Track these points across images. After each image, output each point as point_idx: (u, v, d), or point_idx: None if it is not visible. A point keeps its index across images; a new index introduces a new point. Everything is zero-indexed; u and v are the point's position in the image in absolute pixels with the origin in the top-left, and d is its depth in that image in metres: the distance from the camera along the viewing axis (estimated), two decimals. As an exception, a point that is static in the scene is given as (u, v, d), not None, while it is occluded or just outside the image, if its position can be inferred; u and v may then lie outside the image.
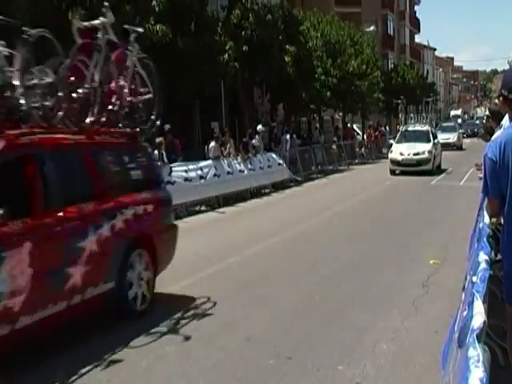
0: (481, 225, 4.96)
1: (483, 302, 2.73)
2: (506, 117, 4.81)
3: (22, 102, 5.46)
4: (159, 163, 13.54)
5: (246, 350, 5.31)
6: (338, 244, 10.01)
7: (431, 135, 23.26)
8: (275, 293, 7.10)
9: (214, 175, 15.55)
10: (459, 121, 65.54)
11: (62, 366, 4.88)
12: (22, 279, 4.66)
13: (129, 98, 6.65)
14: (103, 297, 5.74)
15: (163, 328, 5.84)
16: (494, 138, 4.64)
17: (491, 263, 3.94)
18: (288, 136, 22.35)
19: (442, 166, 23.22)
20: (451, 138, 35.56)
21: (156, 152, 13.66)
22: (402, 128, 26.59)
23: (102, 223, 5.71)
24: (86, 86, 6.03)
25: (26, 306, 4.69)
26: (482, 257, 3.62)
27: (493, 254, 4.34)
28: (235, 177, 16.61)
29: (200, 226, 12.53)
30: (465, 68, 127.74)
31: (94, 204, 5.76)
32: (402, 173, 21.48)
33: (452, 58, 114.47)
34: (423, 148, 21.91)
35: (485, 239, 4.17)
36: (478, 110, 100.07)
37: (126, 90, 6.59)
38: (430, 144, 22.32)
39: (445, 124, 43.39)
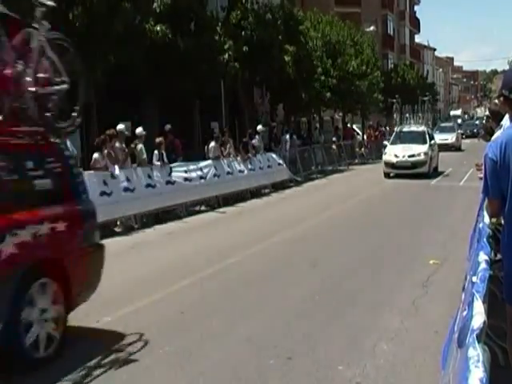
0: (481, 225, 4.96)
1: (483, 302, 2.73)
2: (507, 117, 4.81)
3: None
4: (159, 163, 13.58)
5: (246, 349, 5.31)
6: (337, 244, 10.01)
7: (427, 136, 22.32)
8: (275, 293, 7.10)
9: (214, 175, 15.55)
10: (459, 121, 65.39)
11: None
12: None
13: (32, 88, 5.27)
14: None
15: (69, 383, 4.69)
16: (494, 138, 4.64)
17: (491, 263, 3.94)
18: (288, 136, 22.35)
19: (440, 169, 22.67)
20: (449, 138, 35.00)
21: (156, 152, 13.68)
22: (396, 128, 25.36)
23: None
24: None
25: None
26: (482, 257, 3.62)
27: (492, 253, 4.34)
28: (235, 177, 16.61)
29: (200, 225, 12.53)
30: (465, 68, 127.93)
31: None
32: (397, 176, 20.62)
33: (452, 58, 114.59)
34: (419, 149, 20.98)
35: (485, 239, 4.17)
36: (478, 110, 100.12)
37: (28, 78, 5.24)
38: (426, 145, 21.43)
39: (443, 124, 42.69)
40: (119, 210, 11.91)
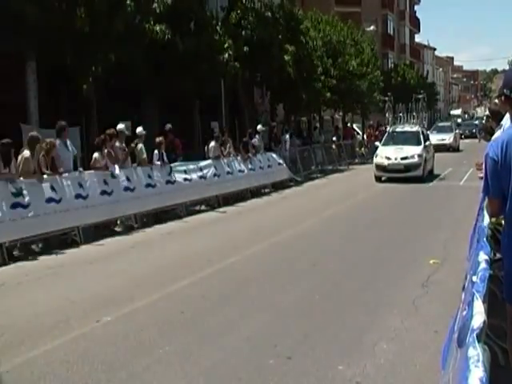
0: (481, 225, 4.96)
1: (483, 302, 2.73)
2: (507, 116, 4.80)
3: None
4: (159, 163, 13.58)
5: (246, 349, 5.30)
6: (338, 244, 10.01)
7: (422, 137, 20.74)
8: (275, 292, 7.10)
9: (214, 175, 15.55)
10: (459, 120, 65.22)
11: None
12: None
13: None
14: None
15: None
16: (494, 137, 4.64)
17: (491, 263, 3.94)
18: (288, 136, 22.35)
19: (436, 171, 21.45)
20: (447, 138, 34.13)
21: (156, 151, 13.68)
22: (389, 129, 23.58)
23: None
24: None
25: None
26: (482, 256, 3.62)
27: (492, 253, 4.34)
28: (235, 176, 16.61)
29: (200, 225, 12.53)
30: (465, 68, 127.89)
31: None
32: (389, 180, 19.31)
33: (452, 58, 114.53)
34: (412, 151, 19.44)
35: (485, 239, 4.17)
36: (478, 109, 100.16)
37: None
38: (421, 147, 19.89)
39: (440, 124, 41.32)
40: (119, 209, 11.92)
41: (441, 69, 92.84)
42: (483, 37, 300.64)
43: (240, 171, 16.99)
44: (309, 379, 4.65)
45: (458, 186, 17.85)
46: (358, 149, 30.20)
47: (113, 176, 11.92)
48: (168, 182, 13.70)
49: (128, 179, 12.34)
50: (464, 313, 3.09)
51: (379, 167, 19.74)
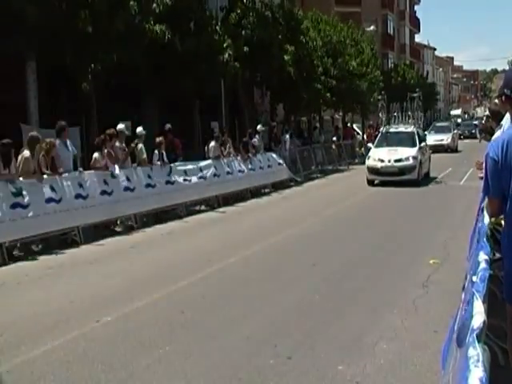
0: (480, 225, 4.96)
1: (483, 302, 2.72)
2: (507, 116, 4.80)
3: None
4: (159, 163, 13.58)
5: (246, 349, 5.30)
6: (338, 244, 10.01)
7: (417, 138, 19.61)
8: (275, 292, 7.10)
9: (214, 175, 15.55)
10: (459, 120, 64.97)
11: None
12: None
13: None
14: None
15: None
16: (494, 137, 4.64)
17: (491, 263, 3.94)
18: (288, 136, 22.35)
19: (432, 174, 20.59)
20: (445, 139, 33.49)
21: (156, 151, 13.68)
22: (382, 129, 22.46)
23: None
24: None
25: None
26: (482, 256, 3.62)
27: (491, 253, 4.34)
28: (235, 176, 16.62)
29: (200, 225, 12.53)
30: (465, 68, 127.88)
31: None
32: (383, 183, 18.27)
33: (452, 58, 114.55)
34: (407, 153, 18.43)
35: (484, 239, 4.17)
36: (478, 109, 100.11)
37: None
38: (415, 148, 18.83)
39: (438, 124, 40.55)
40: (119, 209, 11.93)
41: (441, 69, 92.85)
42: (483, 37, 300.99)
43: (240, 171, 16.99)
44: (309, 379, 4.65)
45: (458, 185, 17.85)
46: (357, 149, 30.19)
47: (113, 176, 11.92)
48: (168, 181, 13.71)
49: (128, 179, 12.34)
50: (464, 313, 3.09)
51: (372, 170, 18.69)
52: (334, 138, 28.28)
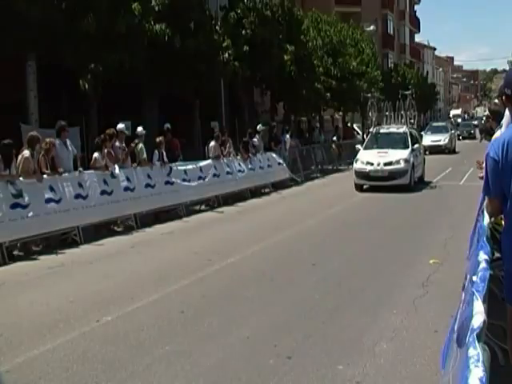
0: (480, 225, 4.96)
1: (483, 302, 2.72)
2: (507, 114, 4.79)
3: None
4: (159, 162, 13.58)
5: (246, 349, 5.30)
6: (338, 243, 10.01)
7: (409, 139, 17.99)
8: (275, 292, 7.10)
9: (214, 175, 15.55)
10: (459, 120, 64.84)
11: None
12: None
13: None
14: None
15: None
16: (494, 137, 4.63)
17: (491, 262, 3.94)
18: (288, 136, 22.34)
19: (427, 178, 19.19)
20: (442, 139, 32.18)
21: (156, 151, 13.67)
22: (372, 130, 20.84)
23: None
24: None
25: None
26: (482, 256, 3.62)
27: (491, 253, 4.34)
28: (235, 176, 16.62)
29: (200, 225, 12.53)
30: (465, 67, 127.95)
31: None
32: (372, 189, 16.94)
33: (452, 58, 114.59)
34: (398, 156, 16.97)
35: (484, 239, 4.17)
36: (478, 109, 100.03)
37: None
38: (407, 151, 17.32)
39: (435, 124, 39.13)
40: (119, 209, 11.93)
41: (441, 69, 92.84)
42: (483, 37, 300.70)
43: (240, 171, 16.98)
44: (309, 379, 4.65)
45: (458, 185, 17.83)
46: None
47: (113, 176, 11.92)
48: (168, 182, 13.71)
49: (128, 179, 12.34)
50: (464, 313, 3.09)
51: (360, 174, 17.15)
52: (334, 138, 28.25)
